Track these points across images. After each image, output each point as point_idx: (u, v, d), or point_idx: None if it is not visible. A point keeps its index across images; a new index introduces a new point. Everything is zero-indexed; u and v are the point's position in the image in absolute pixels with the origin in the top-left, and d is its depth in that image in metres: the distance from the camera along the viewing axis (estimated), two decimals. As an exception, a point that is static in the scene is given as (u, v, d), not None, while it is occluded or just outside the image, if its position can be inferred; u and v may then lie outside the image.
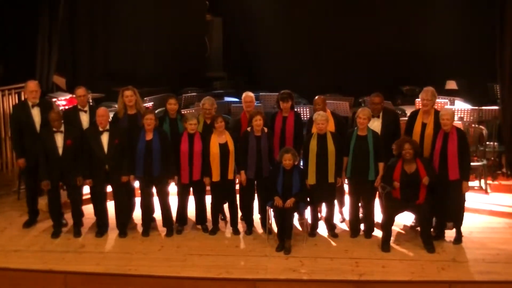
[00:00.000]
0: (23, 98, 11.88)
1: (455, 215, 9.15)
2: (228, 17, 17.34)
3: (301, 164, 9.50)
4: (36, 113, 9.75)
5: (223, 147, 9.36)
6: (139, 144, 9.31)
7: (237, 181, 9.69)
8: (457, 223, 9.19)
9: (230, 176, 9.46)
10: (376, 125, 9.49)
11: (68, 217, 9.81)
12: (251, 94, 10.01)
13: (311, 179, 9.27)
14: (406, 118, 10.05)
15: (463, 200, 9.22)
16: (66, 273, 8.56)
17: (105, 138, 9.31)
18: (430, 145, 9.16)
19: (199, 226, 9.79)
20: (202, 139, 9.44)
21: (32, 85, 9.88)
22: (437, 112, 9.27)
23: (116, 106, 10.58)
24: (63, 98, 12.45)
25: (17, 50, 12.49)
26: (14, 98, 11.85)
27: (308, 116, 11.09)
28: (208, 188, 9.66)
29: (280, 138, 9.76)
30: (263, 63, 16.49)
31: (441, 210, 9.10)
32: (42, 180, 9.36)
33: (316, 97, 9.86)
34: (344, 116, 11.14)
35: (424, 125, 9.29)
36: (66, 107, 11.52)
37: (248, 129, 9.48)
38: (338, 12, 15.78)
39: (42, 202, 10.06)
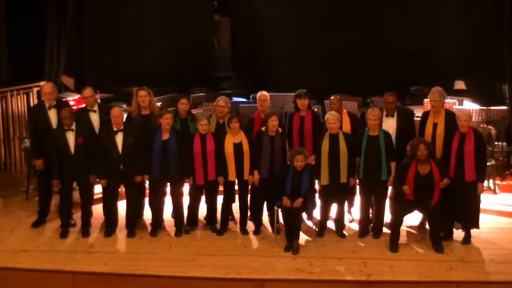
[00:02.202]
0: (33, 98, 11.98)
1: (470, 216, 9.14)
2: (236, 17, 17.34)
3: None
4: (53, 115, 9.75)
5: (238, 147, 9.37)
6: (155, 143, 9.33)
7: (249, 181, 9.65)
8: (468, 224, 9.17)
9: (246, 176, 9.47)
10: (390, 124, 9.47)
11: (77, 217, 9.82)
12: (265, 93, 10.00)
13: (324, 180, 9.26)
14: (416, 118, 10.04)
15: (478, 201, 9.22)
16: (75, 273, 8.58)
17: (119, 138, 9.34)
18: (442, 145, 9.14)
19: (203, 227, 9.80)
20: (215, 138, 9.45)
21: (47, 86, 9.90)
22: (448, 112, 9.26)
23: (125, 106, 10.62)
24: (71, 98, 12.51)
25: (25, 51, 12.55)
26: (23, 98, 11.91)
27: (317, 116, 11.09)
28: (220, 188, 9.67)
29: (299, 138, 9.75)
30: (271, 63, 16.48)
31: (452, 210, 9.08)
32: (53, 179, 9.41)
33: (332, 97, 9.83)
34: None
35: (435, 125, 9.26)
36: (76, 107, 11.55)
37: (263, 129, 9.48)
38: (346, 12, 15.74)
39: (52, 203, 10.08)
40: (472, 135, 8.93)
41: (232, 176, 9.45)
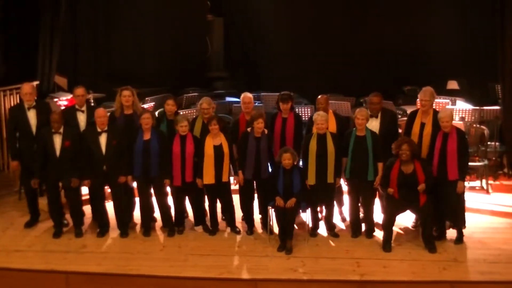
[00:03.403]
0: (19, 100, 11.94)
1: (454, 215, 9.15)
2: (230, 17, 17.35)
3: (301, 164, 9.48)
4: (32, 115, 9.72)
5: (218, 149, 9.33)
6: (137, 144, 9.32)
7: (234, 181, 9.66)
8: (457, 223, 9.19)
9: (225, 178, 9.43)
10: (374, 125, 9.48)
11: (69, 217, 9.80)
12: (249, 95, 9.99)
13: (311, 180, 9.26)
14: (404, 118, 10.05)
15: (463, 200, 9.23)
16: (68, 273, 8.56)
17: (103, 139, 9.32)
18: (429, 145, 9.16)
19: (197, 227, 9.79)
20: (195, 140, 9.44)
21: (27, 87, 9.80)
22: (436, 112, 9.27)
23: (116, 106, 10.56)
24: (64, 98, 12.46)
25: (19, 50, 12.51)
26: (16, 98, 11.86)
27: (309, 116, 11.08)
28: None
29: (280, 139, 9.75)
30: (264, 63, 16.49)
31: (441, 210, 9.11)
32: (34, 177, 9.40)
33: (319, 96, 9.84)
34: (345, 116, 11.14)
35: (422, 125, 9.28)
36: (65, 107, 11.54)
37: (248, 129, 9.47)
38: (339, 12, 15.78)
39: (44, 202, 10.05)
40: (455, 134, 8.96)
41: (211, 179, 9.40)
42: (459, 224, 9.20)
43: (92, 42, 15.81)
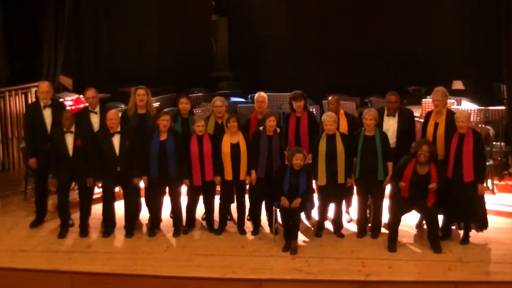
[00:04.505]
0: (31, 98, 11.96)
1: (478, 217, 9.13)
2: (234, 17, 17.31)
3: None
4: (47, 114, 9.74)
5: (235, 147, 9.34)
6: (153, 144, 9.31)
7: (246, 180, 9.65)
8: (474, 224, 9.16)
9: (242, 177, 9.45)
10: (391, 123, 9.49)
11: (75, 217, 9.82)
12: (263, 94, 10.00)
13: (321, 180, 9.25)
14: (416, 118, 10.03)
15: (483, 202, 9.19)
16: (72, 273, 8.58)
17: (116, 140, 9.31)
18: (443, 145, 9.13)
19: (204, 223, 9.80)
20: (212, 139, 9.43)
21: (44, 85, 9.88)
22: (449, 112, 9.25)
23: (122, 106, 10.56)
24: (69, 98, 12.47)
25: (23, 51, 12.53)
26: (21, 98, 11.89)
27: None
28: (218, 188, 9.66)
29: (295, 139, 9.74)
30: (269, 63, 16.47)
31: (451, 211, 9.08)
32: (51, 179, 9.39)
33: (330, 97, 9.83)
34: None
35: (436, 125, 9.27)
36: (74, 107, 11.54)
37: (260, 128, 9.47)
38: (343, 12, 15.75)
39: (49, 202, 10.08)
40: (471, 135, 8.93)
41: (228, 176, 9.43)
42: (480, 226, 9.19)
43: (96, 42, 15.78)
